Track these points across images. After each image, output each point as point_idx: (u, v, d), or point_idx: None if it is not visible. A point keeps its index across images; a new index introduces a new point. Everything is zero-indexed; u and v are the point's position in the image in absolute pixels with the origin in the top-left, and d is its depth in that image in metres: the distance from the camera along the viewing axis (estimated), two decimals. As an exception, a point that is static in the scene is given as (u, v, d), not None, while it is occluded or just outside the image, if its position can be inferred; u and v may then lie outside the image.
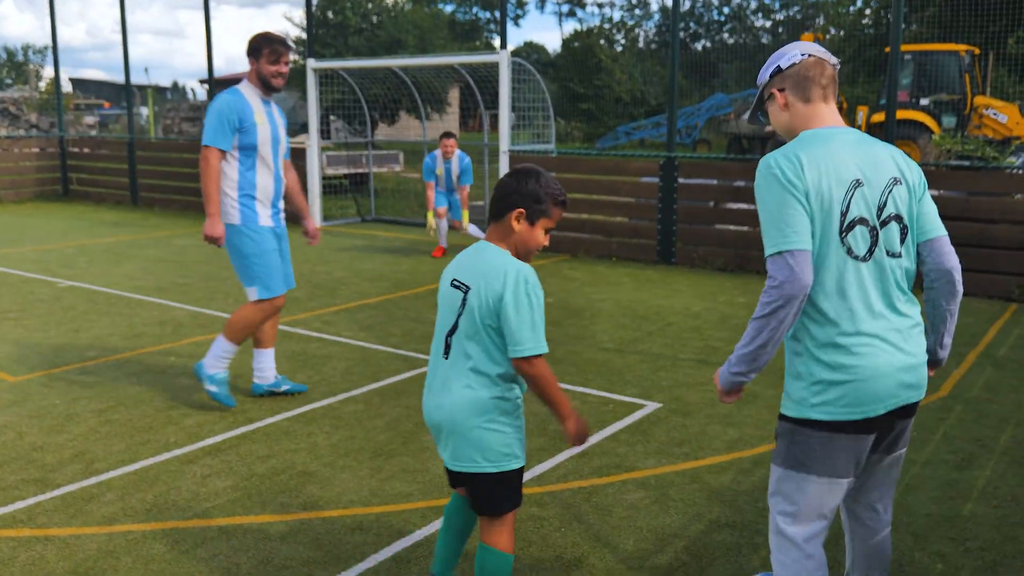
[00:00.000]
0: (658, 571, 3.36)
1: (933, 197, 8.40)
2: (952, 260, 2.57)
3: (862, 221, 2.43)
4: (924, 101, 17.24)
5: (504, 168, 11.29)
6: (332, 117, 23.90)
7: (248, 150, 5.00)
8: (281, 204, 5.25)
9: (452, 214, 10.92)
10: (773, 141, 20.22)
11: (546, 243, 2.85)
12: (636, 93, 38.97)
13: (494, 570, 2.84)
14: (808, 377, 2.48)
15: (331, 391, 5.47)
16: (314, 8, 13.05)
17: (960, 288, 2.61)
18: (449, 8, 53.05)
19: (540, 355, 2.68)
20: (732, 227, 9.82)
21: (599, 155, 14.03)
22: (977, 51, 17.65)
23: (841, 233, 2.41)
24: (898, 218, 2.49)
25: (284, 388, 5.40)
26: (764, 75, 2.67)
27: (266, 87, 5.06)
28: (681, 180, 9.94)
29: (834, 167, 2.42)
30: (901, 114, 16.09)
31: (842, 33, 32.78)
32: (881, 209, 2.46)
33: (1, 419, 4.97)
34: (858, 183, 2.43)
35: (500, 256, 2.75)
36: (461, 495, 3.03)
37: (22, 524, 3.72)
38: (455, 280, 2.79)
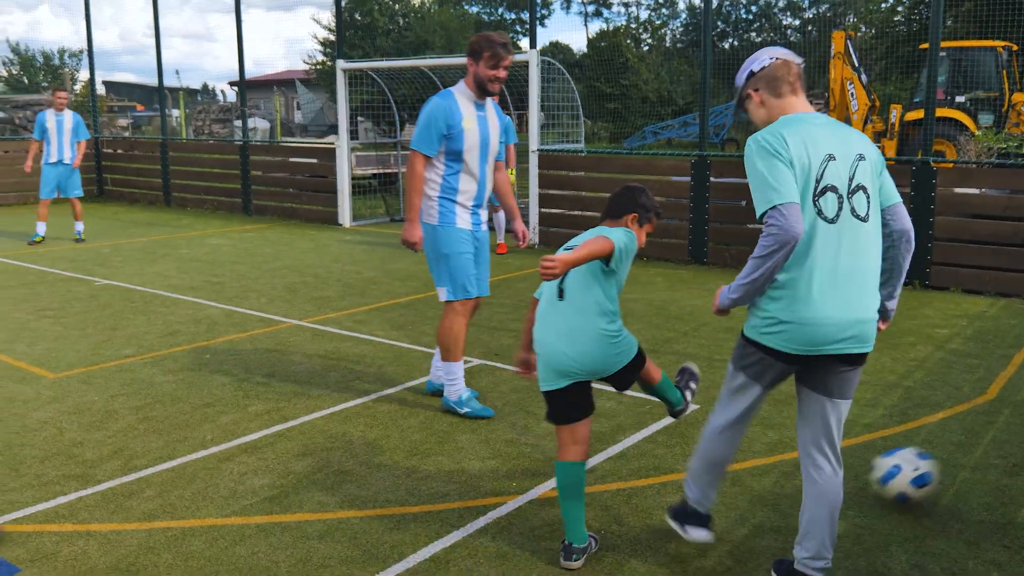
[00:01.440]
0: (701, 575, 3.31)
1: (974, 196, 8.26)
2: (908, 223, 3.05)
3: (833, 189, 2.86)
4: (960, 98, 16.97)
5: (534, 167, 11.24)
6: (360, 118, 23.98)
7: (454, 155, 4.89)
8: (483, 210, 5.12)
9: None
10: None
11: (643, 245, 3.56)
12: (663, 92, 38.76)
13: (557, 474, 3.44)
14: (764, 312, 2.95)
15: (365, 390, 5.46)
16: (343, 9, 13.10)
17: (913, 245, 3.08)
18: (475, 9, 53.06)
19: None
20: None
21: (629, 154, 13.94)
22: (1015, 47, 17.35)
23: (814, 197, 2.84)
24: (863, 188, 2.92)
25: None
26: (740, 79, 3.12)
27: (482, 91, 4.96)
28: (713, 179, 9.84)
29: (812, 141, 2.88)
30: (937, 112, 15.85)
31: (873, 31, 32.41)
32: (851, 180, 2.90)
33: (42, 415, 5.00)
34: (831, 157, 2.88)
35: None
36: None
37: (64, 519, 3.74)
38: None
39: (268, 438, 4.67)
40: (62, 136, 11.52)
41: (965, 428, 4.77)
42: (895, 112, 16.89)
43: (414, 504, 3.89)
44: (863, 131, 16.81)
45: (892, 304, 3.15)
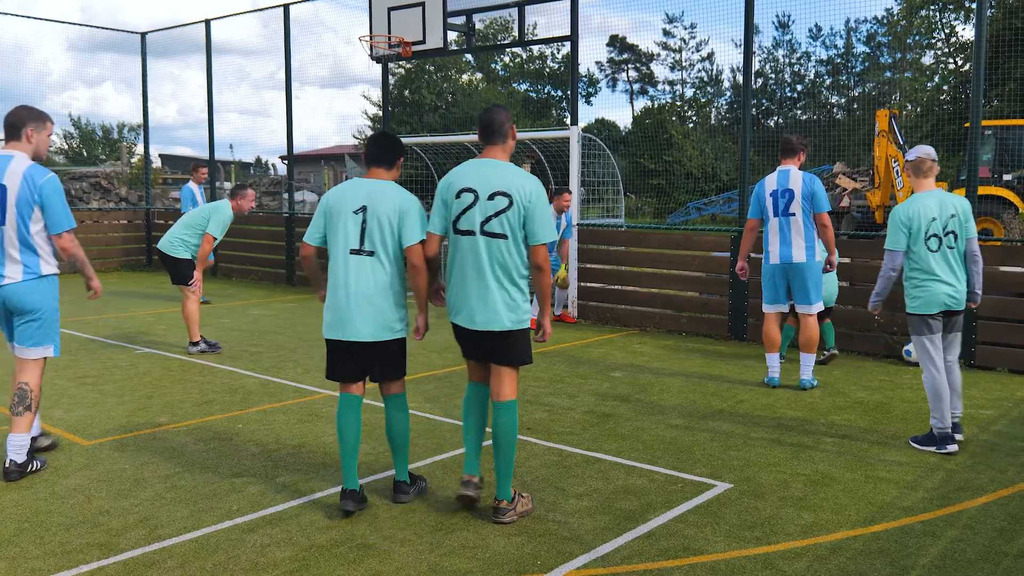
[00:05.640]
0: (727, 663, 3.18)
1: (1019, 273, 8.03)
2: (973, 247, 5.74)
3: (935, 236, 5.62)
4: (1007, 177, 16.79)
5: (574, 241, 11.28)
6: (406, 192, 24.38)
7: None
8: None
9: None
10: (848, 217, 19.89)
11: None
12: (708, 168, 38.94)
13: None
14: (912, 297, 5.73)
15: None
16: (392, 87, 13.59)
17: (980, 260, 5.75)
18: (523, 87, 54.12)
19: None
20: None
21: (669, 229, 13.95)
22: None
23: (925, 241, 5.62)
24: (954, 233, 5.65)
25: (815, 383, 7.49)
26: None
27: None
28: (753, 255, 9.77)
29: (923, 211, 5.62)
30: (983, 190, 15.67)
31: (919, 109, 32.39)
32: (945, 227, 5.62)
33: (72, 482, 5.04)
34: (934, 219, 5.61)
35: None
36: None
37: (83, 589, 3.72)
38: None
39: (294, 509, 4.64)
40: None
41: (1009, 514, 4.58)
42: (940, 190, 16.74)
43: (435, 581, 3.82)
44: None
45: (976, 295, 5.81)
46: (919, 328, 5.68)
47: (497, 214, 4.40)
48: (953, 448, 5.57)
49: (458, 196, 4.48)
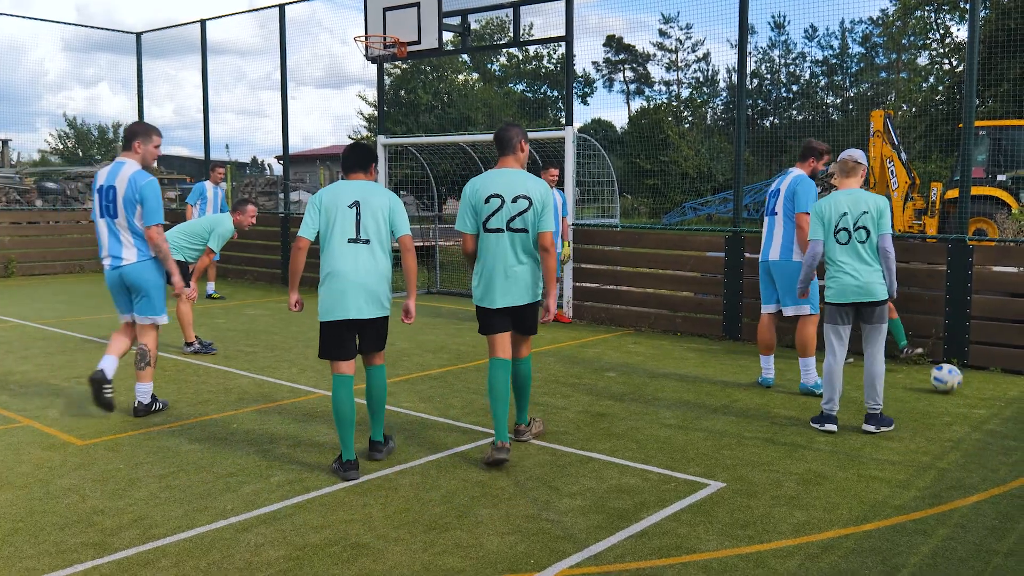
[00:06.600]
0: (719, 660, 3.20)
1: (1013, 274, 8.07)
2: (886, 243, 6.01)
3: (844, 229, 6.06)
4: (1001, 177, 16.82)
5: (570, 219, 11.28)
6: (402, 192, 24.40)
7: None
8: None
9: None
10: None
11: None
12: (703, 169, 38.97)
13: None
14: (827, 288, 6.15)
15: (388, 462, 5.44)
16: (387, 87, 13.63)
17: (889, 256, 6.00)
18: (520, 87, 54.11)
19: None
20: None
21: (664, 229, 13.97)
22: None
23: (835, 233, 6.10)
24: (864, 227, 6.02)
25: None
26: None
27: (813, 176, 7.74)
28: (748, 255, 9.81)
29: (835, 206, 6.11)
30: (977, 190, 15.69)
31: (914, 110, 32.45)
32: (855, 223, 6.03)
33: (67, 482, 5.05)
34: (844, 213, 6.06)
35: None
36: None
37: (77, 588, 3.73)
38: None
39: (288, 509, 4.65)
40: (217, 205, 13.26)
41: (1000, 512, 4.61)
42: (935, 190, 16.77)
43: (428, 580, 3.83)
44: (904, 208, 16.73)
45: (892, 289, 6.07)
46: (832, 317, 6.18)
47: (520, 213, 5.41)
48: (831, 428, 6.11)
49: (487, 201, 5.43)
